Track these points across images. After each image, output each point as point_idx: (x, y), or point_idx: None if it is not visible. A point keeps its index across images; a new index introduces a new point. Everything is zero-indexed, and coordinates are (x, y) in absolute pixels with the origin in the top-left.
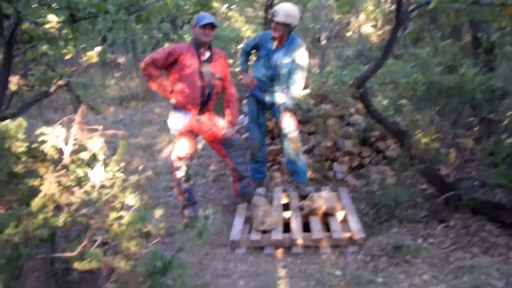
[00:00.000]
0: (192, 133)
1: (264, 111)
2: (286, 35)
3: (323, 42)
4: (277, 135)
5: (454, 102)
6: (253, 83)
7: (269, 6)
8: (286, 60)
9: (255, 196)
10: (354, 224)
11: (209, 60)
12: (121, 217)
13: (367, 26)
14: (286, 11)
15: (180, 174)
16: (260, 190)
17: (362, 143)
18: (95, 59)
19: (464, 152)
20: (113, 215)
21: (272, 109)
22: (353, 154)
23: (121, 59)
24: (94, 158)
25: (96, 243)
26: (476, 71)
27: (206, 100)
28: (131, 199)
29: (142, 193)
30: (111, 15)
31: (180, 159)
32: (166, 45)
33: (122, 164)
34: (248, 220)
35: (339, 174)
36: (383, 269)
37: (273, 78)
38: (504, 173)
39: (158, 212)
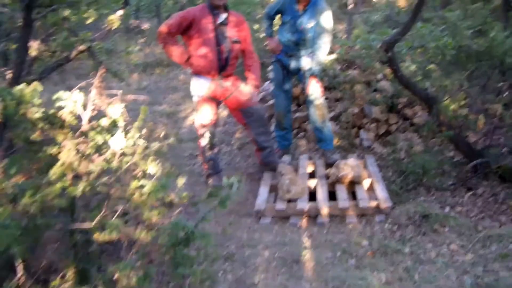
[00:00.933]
0: (214, 99)
1: (290, 77)
2: None
3: (350, 7)
4: (303, 101)
5: (483, 67)
6: (278, 48)
7: None
8: (311, 24)
9: (281, 164)
10: (381, 192)
11: (225, 22)
12: (142, 186)
13: None
14: None
15: (204, 141)
16: (286, 158)
17: (389, 110)
18: (117, 24)
19: (493, 118)
20: (134, 183)
21: (298, 75)
22: (380, 121)
23: (146, 25)
24: (114, 124)
25: (117, 213)
26: (507, 35)
27: (224, 64)
28: (153, 167)
29: (164, 161)
30: None
31: (203, 126)
32: None
33: (144, 130)
34: (274, 189)
35: (366, 141)
36: (410, 238)
37: (299, 43)
38: None
39: (181, 181)
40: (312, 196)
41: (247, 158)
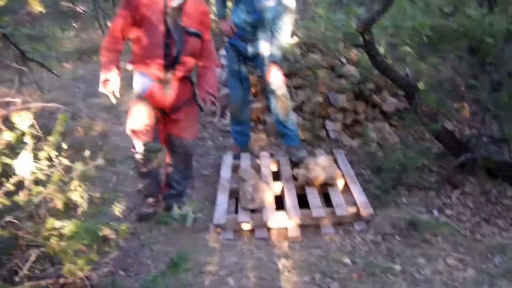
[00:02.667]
0: (151, 104)
1: (246, 63)
2: None
3: None
4: (259, 90)
5: (457, 48)
6: (232, 31)
7: None
8: (271, 3)
9: (242, 168)
10: (359, 196)
11: (180, 7)
12: (62, 227)
13: None
14: None
15: (138, 154)
16: (245, 156)
17: (356, 97)
18: (38, 7)
19: (482, 107)
20: (50, 222)
21: (256, 61)
22: (347, 110)
23: (81, 7)
24: (20, 141)
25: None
26: (484, 13)
27: (173, 62)
28: (77, 197)
29: (93, 188)
30: None
31: (134, 133)
32: None
33: (64, 146)
34: (233, 194)
35: (332, 133)
36: (399, 253)
37: (256, 25)
38: None
39: (118, 208)
40: (279, 201)
41: (199, 157)
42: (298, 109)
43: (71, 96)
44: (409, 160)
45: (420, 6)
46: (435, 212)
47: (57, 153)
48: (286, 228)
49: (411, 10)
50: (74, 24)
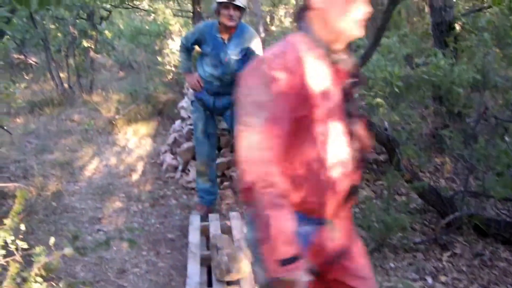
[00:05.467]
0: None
1: (214, 119)
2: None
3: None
4: (224, 144)
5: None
6: (199, 85)
7: None
8: (238, 55)
9: (215, 234)
10: None
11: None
12: None
13: (288, 19)
14: None
15: None
16: (213, 217)
17: None
18: None
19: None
20: None
21: (224, 116)
22: None
23: (32, 59)
24: None
25: None
26: (451, 62)
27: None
28: None
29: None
30: None
31: None
32: (84, 43)
33: (22, 227)
34: (205, 262)
35: None
36: None
37: (223, 78)
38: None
39: None
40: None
41: (163, 218)
42: None
43: (23, 153)
44: (395, 221)
45: (389, 57)
46: (429, 279)
47: (13, 237)
48: None
49: (379, 60)
50: (25, 76)
